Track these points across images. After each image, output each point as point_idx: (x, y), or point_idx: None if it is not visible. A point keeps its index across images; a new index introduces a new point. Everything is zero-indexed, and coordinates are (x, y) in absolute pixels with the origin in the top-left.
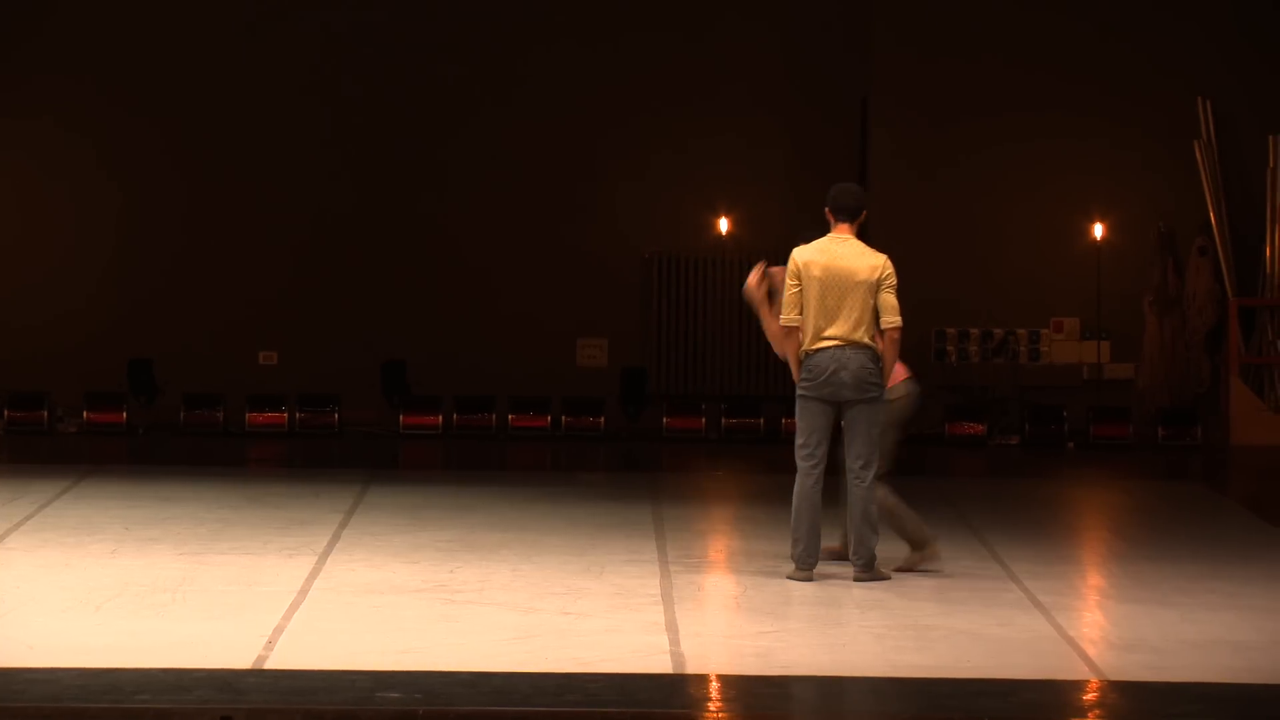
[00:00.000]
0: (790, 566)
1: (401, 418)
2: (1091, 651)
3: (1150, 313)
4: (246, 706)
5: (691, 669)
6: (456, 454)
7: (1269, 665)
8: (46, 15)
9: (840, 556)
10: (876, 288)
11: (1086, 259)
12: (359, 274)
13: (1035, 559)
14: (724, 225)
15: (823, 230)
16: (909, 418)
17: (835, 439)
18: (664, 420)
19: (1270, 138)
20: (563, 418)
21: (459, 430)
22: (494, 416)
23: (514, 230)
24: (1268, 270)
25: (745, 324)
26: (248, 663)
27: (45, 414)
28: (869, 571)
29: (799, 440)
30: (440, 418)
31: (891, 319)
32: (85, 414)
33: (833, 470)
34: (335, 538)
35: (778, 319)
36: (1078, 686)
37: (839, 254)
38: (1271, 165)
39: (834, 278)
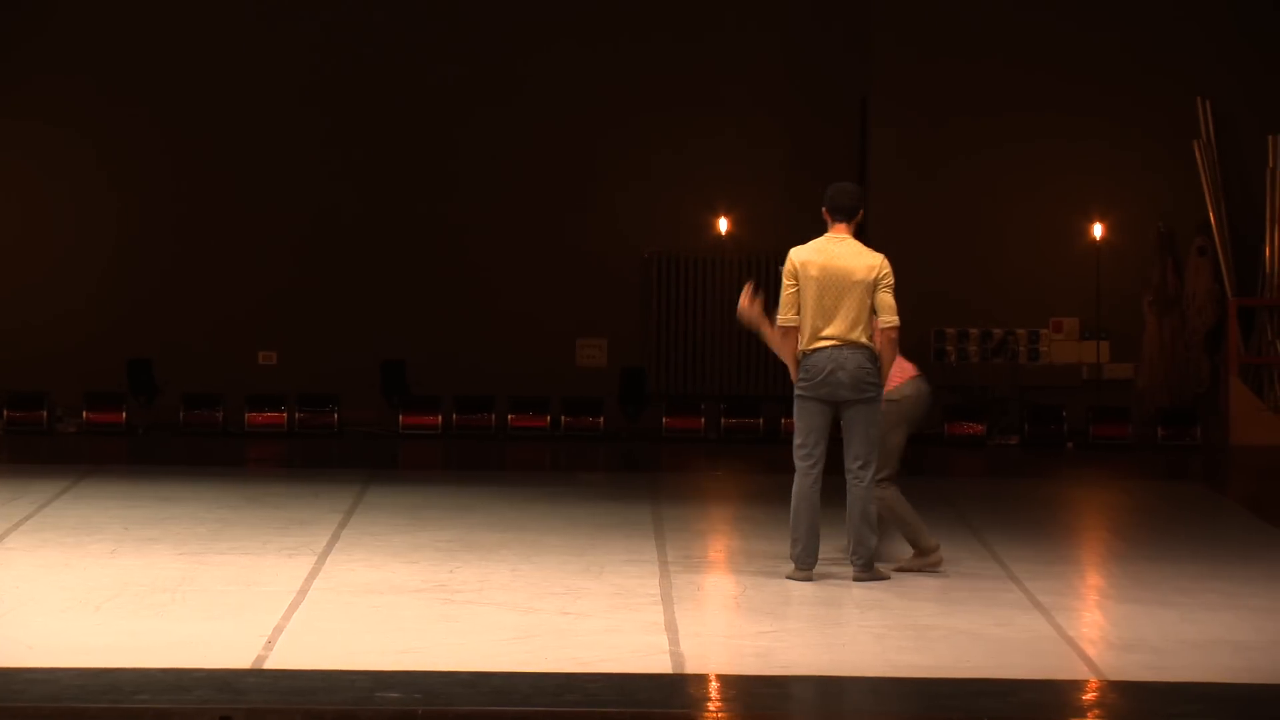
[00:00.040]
0: (790, 566)
1: (401, 418)
2: (1091, 651)
3: (1150, 313)
4: (246, 706)
5: (691, 669)
6: (456, 454)
7: (1269, 665)
8: (46, 16)
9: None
10: (874, 287)
11: (1086, 259)
12: (359, 274)
13: (1035, 559)
14: (723, 225)
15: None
16: (917, 418)
17: (835, 439)
18: (663, 420)
19: (1270, 138)
20: (562, 418)
21: (458, 430)
22: (493, 416)
23: (514, 230)
24: (1267, 270)
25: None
26: (247, 663)
27: (45, 414)
28: (868, 571)
29: (797, 440)
30: (440, 418)
31: (889, 318)
32: (85, 414)
33: (835, 470)
34: (335, 538)
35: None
36: (1077, 686)
37: (836, 254)
38: (1271, 165)
39: (831, 277)
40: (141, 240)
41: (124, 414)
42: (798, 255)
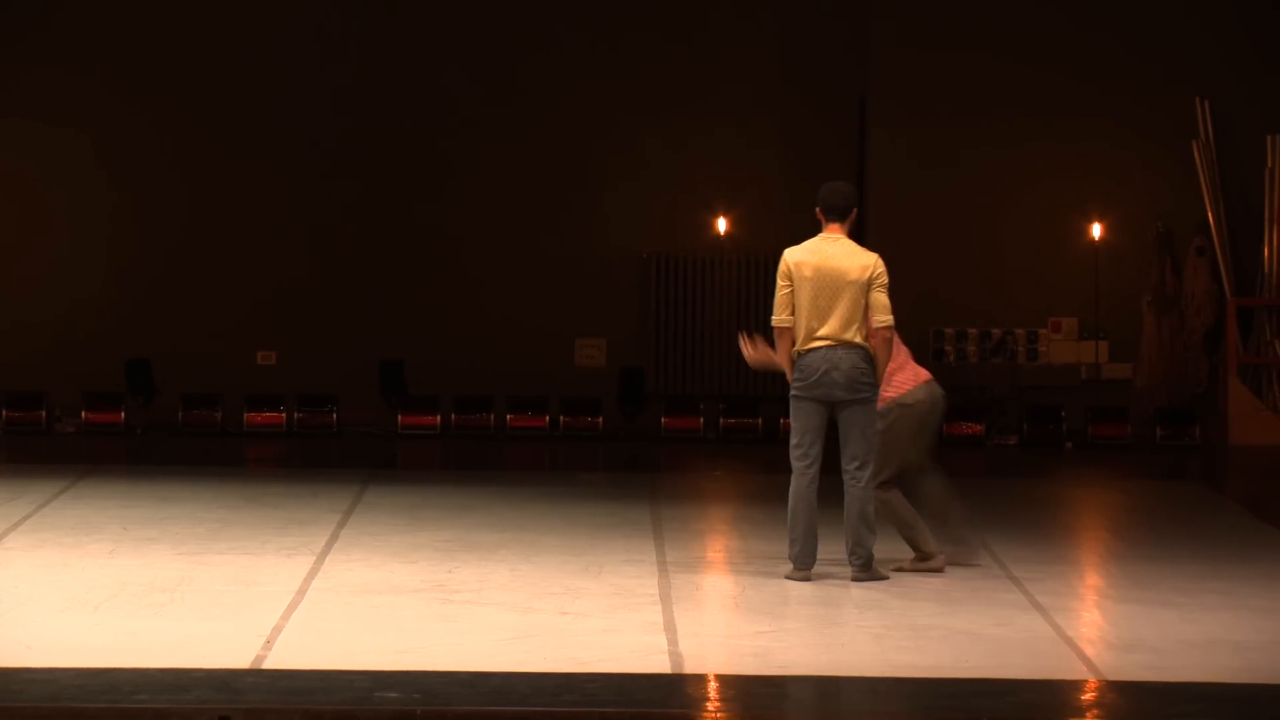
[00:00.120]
0: (788, 566)
1: (400, 418)
2: (1090, 651)
3: (1148, 313)
4: (245, 706)
5: (690, 669)
6: (455, 454)
7: (1268, 665)
8: (46, 15)
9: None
10: (868, 287)
11: (1085, 259)
12: (357, 274)
13: (1034, 559)
14: (722, 225)
15: None
16: (931, 423)
17: (832, 439)
18: (662, 420)
19: (1269, 138)
20: (561, 418)
21: (457, 430)
22: (492, 416)
23: (512, 230)
24: (1266, 270)
25: (743, 324)
26: (246, 663)
27: (43, 414)
28: (867, 571)
29: (793, 440)
30: (438, 418)
31: (882, 318)
32: (83, 414)
33: (834, 470)
34: (333, 538)
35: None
36: (1076, 686)
37: (830, 254)
38: (1270, 165)
39: (825, 278)
40: (140, 240)
41: (123, 414)
42: (792, 256)
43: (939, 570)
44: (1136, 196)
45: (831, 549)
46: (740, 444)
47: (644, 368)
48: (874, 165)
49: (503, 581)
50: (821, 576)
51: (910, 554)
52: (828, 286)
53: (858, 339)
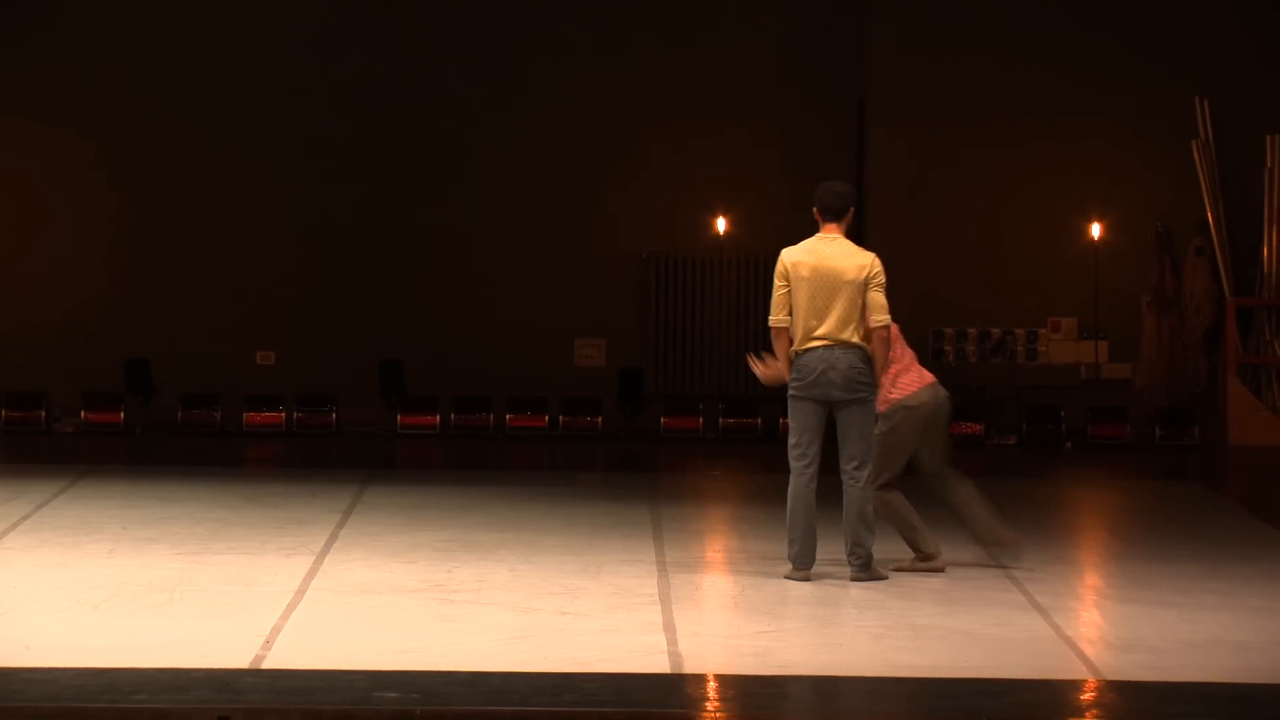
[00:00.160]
0: (788, 566)
1: (399, 418)
2: (1089, 651)
3: (1148, 312)
4: (244, 706)
5: (689, 669)
6: (454, 454)
7: (1267, 665)
8: (46, 16)
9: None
10: (864, 286)
11: (1084, 259)
12: (357, 274)
13: (1033, 559)
14: (721, 225)
15: None
16: (936, 426)
17: (830, 439)
18: (661, 420)
19: (1268, 138)
20: (560, 418)
21: (457, 430)
22: (491, 416)
23: (511, 230)
24: (1265, 270)
25: (742, 324)
26: (245, 662)
27: (43, 414)
28: (866, 571)
29: (791, 440)
30: (438, 418)
31: (879, 317)
32: (83, 414)
33: (833, 470)
34: (333, 537)
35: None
36: (1075, 686)
37: (827, 254)
38: (1269, 165)
39: (822, 277)
40: (140, 240)
41: (122, 414)
42: (789, 256)
43: (939, 570)
44: (1136, 196)
45: (831, 549)
46: (739, 444)
47: (643, 368)
48: (874, 165)
49: (502, 581)
50: (821, 576)
51: (910, 554)
52: (825, 286)
53: (855, 339)
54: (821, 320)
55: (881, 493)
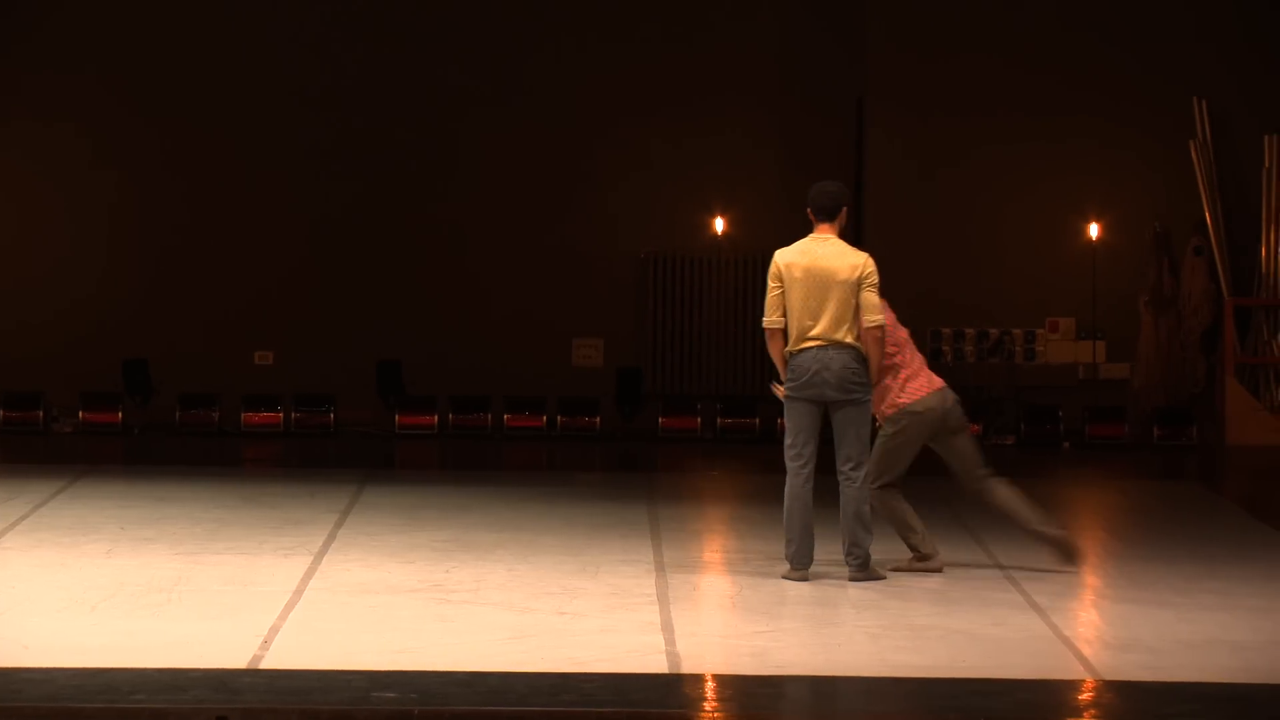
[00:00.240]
0: (785, 566)
1: (397, 418)
2: (1087, 651)
3: (1146, 312)
4: (242, 706)
5: (687, 669)
6: (452, 454)
7: (1265, 665)
8: (44, 15)
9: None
10: (858, 286)
11: (1082, 259)
12: (355, 274)
13: (1031, 559)
14: (719, 225)
15: None
16: (944, 432)
17: (827, 439)
18: (659, 420)
19: (1266, 138)
20: (558, 417)
21: (454, 430)
22: (489, 416)
23: (509, 230)
24: (1263, 270)
25: (740, 324)
26: (243, 662)
27: (41, 414)
28: (864, 571)
29: (787, 440)
30: (436, 417)
31: (873, 318)
32: (81, 414)
33: (831, 470)
34: (331, 537)
35: None
36: (1073, 686)
37: (820, 254)
38: (1267, 165)
39: (815, 278)
40: (138, 240)
41: (120, 414)
42: (782, 257)
43: (937, 571)
44: (1134, 196)
45: (830, 549)
46: (737, 444)
47: (641, 368)
48: (872, 166)
49: (500, 581)
50: (819, 576)
51: (908, 554)
52: (818, 287)
53: (849, 339)
54: (815, 321)
55: (881, 492)
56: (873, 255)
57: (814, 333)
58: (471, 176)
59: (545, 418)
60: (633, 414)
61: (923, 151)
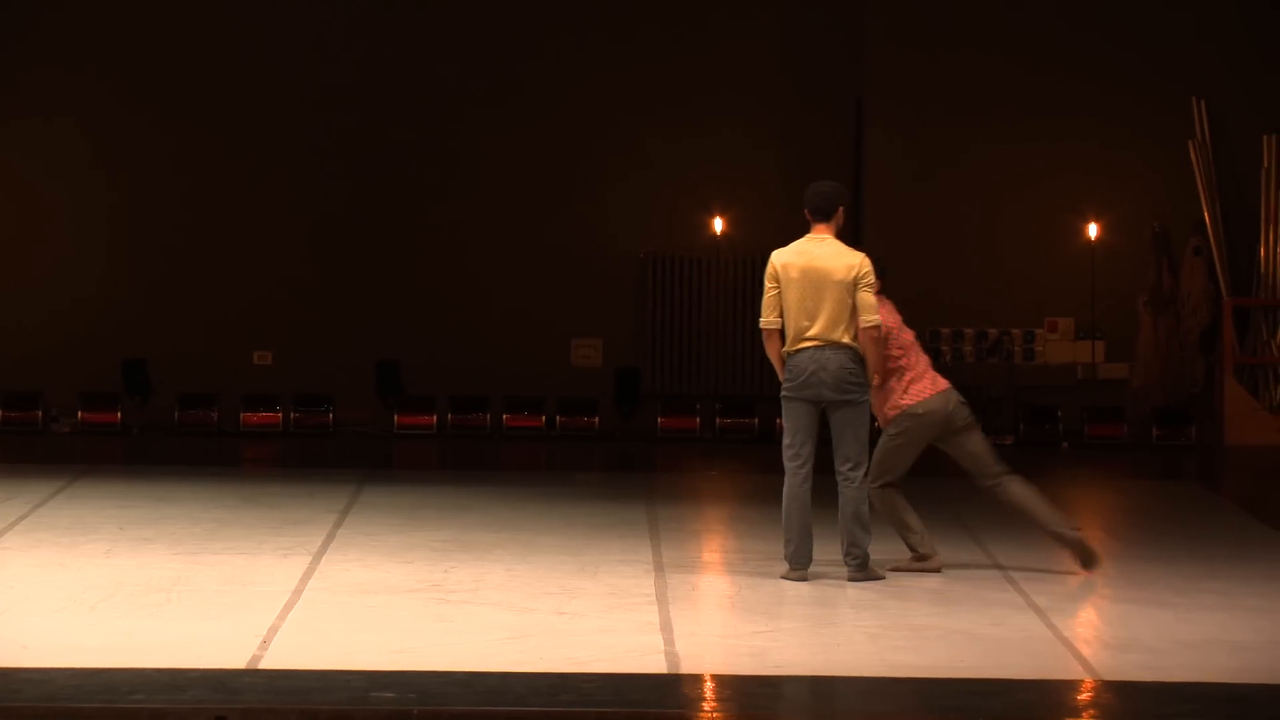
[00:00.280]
0: (784, 566)
1: (396, 418)
2: (1086, 651)
3: (1145, 312)
4: (241, 706)
5: (686, 669)
6: (451, 454)
7: (1264, 665)
8: (43, 15)
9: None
10: (853, 287)
11: (1081, 259)
12: (354, 274)
13: (1030, 559)
14: (718, 225)
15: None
16: (948, 434)
17: (825, 440)
18: (658, 420)
19: (1265, 138)
20: (557, 417)
21: (453, 430)
22: (488, 416)
23: (508, 230)
24: (1262, 270)
25: (740, 324)
26: (242, 662)
27: (40, 414)
28: (863, 571)
29: (785, 441)
30: (435, 417)
31: (869, 318)
32: (80, 414)
33: (829, 470)
34: (330, 537)
35: None
36: (1072, 686)
37: (816, 254)
38: (1266, 165)
39: (811, 278)
40: (137, 240)
41: (119, 414)
42: (778, 258)
43: (935, 570)
44: (1133, 196)
45: (829, 549)
46: (736, 444)
47: (640, 368)
48: (870, 165)
49: (499, 581)
50: (818, 576)
51: (907, 554)
52: (814, 287)
53: (846, 339)
54: (812, 321)
55: (882, 491)
56: (872, 255)
57: (810, 333)
58: (470, 176)
59: (544, 418)
60: (631, 414)
61: (922, 151)
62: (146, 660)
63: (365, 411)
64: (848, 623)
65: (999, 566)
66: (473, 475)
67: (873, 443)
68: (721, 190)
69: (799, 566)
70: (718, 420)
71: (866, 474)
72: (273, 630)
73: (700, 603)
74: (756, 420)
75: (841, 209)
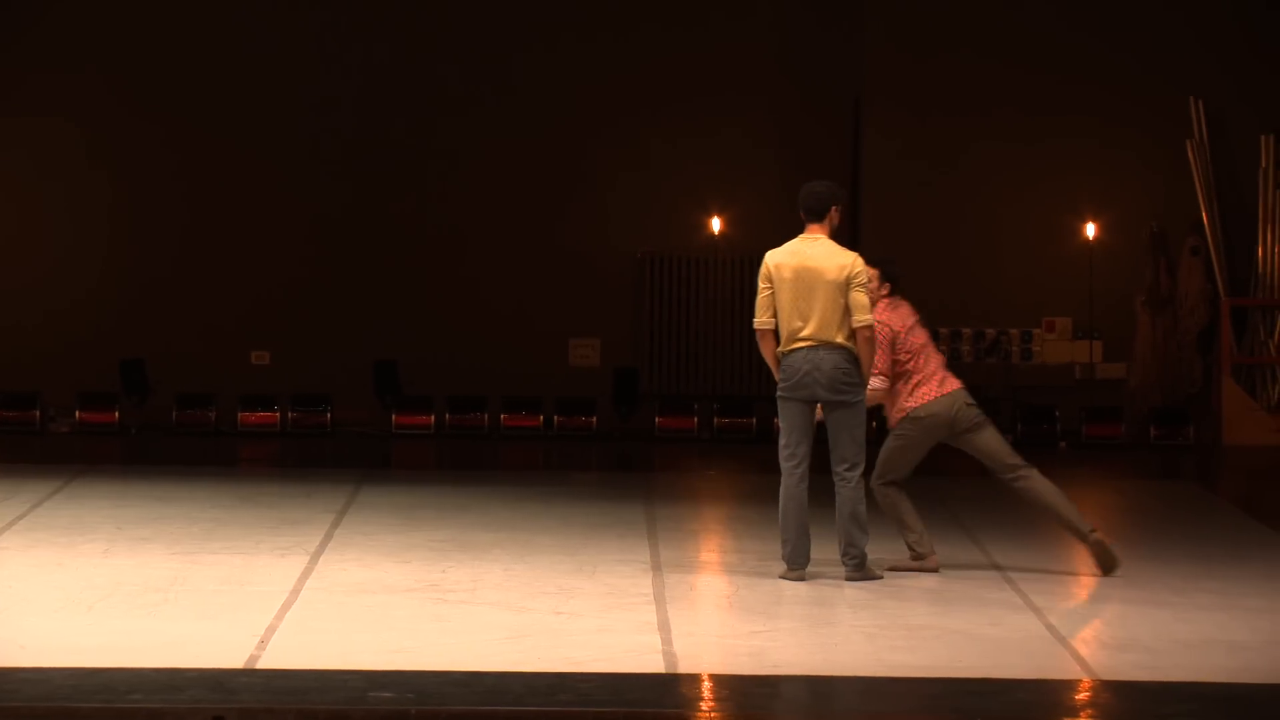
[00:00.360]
0: (782, 566)
1: (394, 417)
2: (1084, 651)
3: (1142, 312)
4: (239, 706)
5: (684, 668)
6: (449, 454)
7: (1262, 665)
8: (42, 15)
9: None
10: (846, 286)
11: (1079, 258)
12: (351, 274)
13: (1028, 559)
14: (716, 225)
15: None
16: (955, 436)
17: (822, 440)
18: (656, 420)
19: (1262, 137)
20: (555, 417)
21: (451, 430)
22: (486, 416)
23: (506, 230)
24: (1259, 270)
25: (737, 324)
26: (240, 662)
27: (38, 414)
28: (861, 571)
29: (781, 441)
30: (432, 417)
31: (862, 318)
32: (78, 414)
33: (826, 470)
34: (328, 537)
35: None
36: (1070, 686)
37: (809, 254)
38: (1263, 165)
39: (804, 278)
40: (135, 241)
41: (117, 414)
42: (772, 258)
43: (933, 570)
44: (1131, 196)
45: (827, 549)
46: (734, 444)
47: (638, 367)
48: (868, 166)
49: (497, 581)
50: (815, 576)
51: (906, 553)
52: (807, 287)
53: (840, 339)
54: (805, 321)
55: (885, 489)
56: (885, 260)
57: (804, 333)
58: (469, 176)
59: (542, 418)
60: (629, 414)
61: (920, 151)
62: (144, 660)
63: (363, 411)
64: (845, 622)
65: (996, 566)
66: (471, 475)
67: (881, 441)
68: (720, 190)
69: (796, 566)
70: (715, 420)
71: (864, 473)
72: (270, 630)
73: (698, 602)
74: (754, 420)
75: (835, 209)
